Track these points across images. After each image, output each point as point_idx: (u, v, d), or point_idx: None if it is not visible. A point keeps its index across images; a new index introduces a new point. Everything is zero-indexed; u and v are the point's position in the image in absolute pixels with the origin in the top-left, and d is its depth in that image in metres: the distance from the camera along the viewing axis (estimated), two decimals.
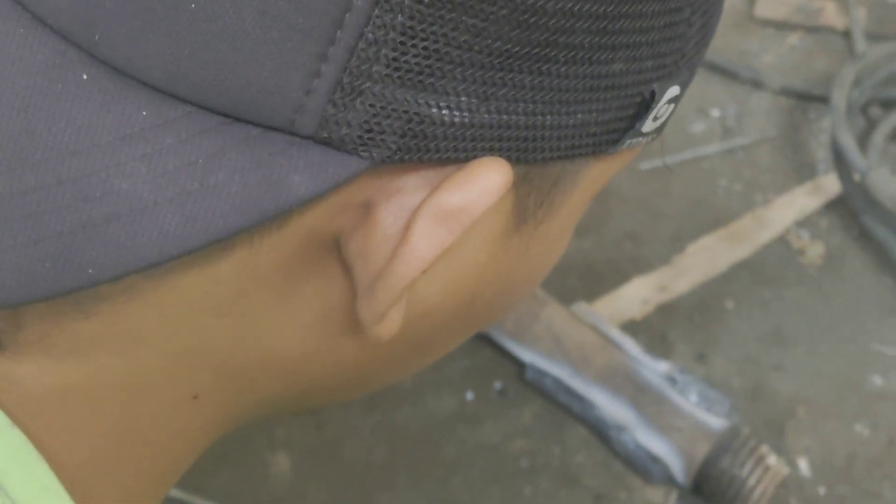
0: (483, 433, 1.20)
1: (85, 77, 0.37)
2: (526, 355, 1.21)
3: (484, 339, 1.24)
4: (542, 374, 1.19)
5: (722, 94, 1.52)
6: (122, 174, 0.37)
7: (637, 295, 1.28)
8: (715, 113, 1.49)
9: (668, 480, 1.14)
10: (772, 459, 1.10)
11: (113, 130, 0.37)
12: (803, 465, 1.16)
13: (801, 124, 1.45)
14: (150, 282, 0.40)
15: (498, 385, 1.23)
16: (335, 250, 0.42)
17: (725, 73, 1.54)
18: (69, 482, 0.42)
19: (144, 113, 0.37)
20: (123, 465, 0.46)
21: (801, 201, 1.35)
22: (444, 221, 0.40)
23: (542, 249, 0.48)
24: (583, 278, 1.31)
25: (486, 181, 0.40)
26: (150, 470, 0.47)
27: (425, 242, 0.40)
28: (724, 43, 1.57)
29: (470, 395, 1.23)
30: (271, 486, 1.19)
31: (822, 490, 1.14)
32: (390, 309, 0.42)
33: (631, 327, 1.25)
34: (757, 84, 1.51)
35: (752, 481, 1.09)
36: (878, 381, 1.21)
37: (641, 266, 1.31)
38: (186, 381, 0.44)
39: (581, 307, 1.22)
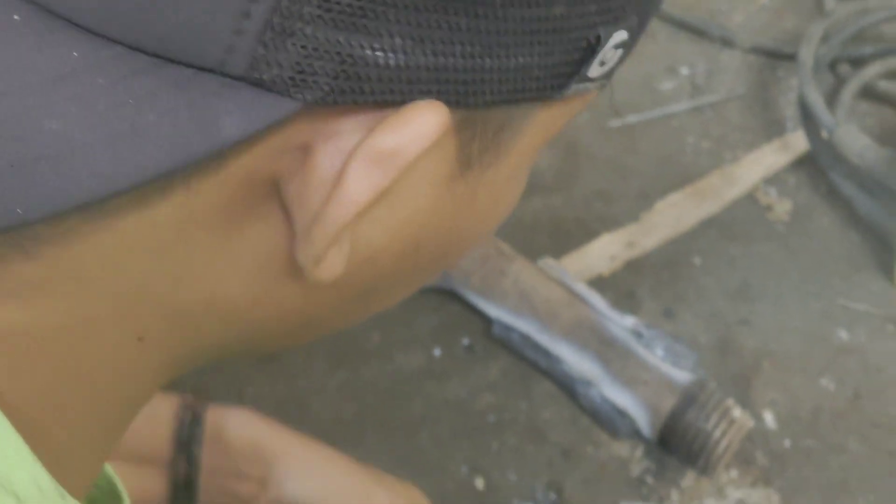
0: (450, 389, 1.20)
1: (16, 18, 0.37)
2: (493, 311, 1.20)
3: (451, 296, 1.24)
4: (508, 329, 1.19)
5: (691, 52, 1.51)
6: (53, 114, 0.36)
7: (605, 251, 1.27)
8: (684, 71, 1.49)
9: (635, 434, 1.14)
10: (737, 412, 1.10)
11: (44, 71, 0.37)
12: (769, 418, 1.16)
13: (769, 82, 1.45)
14: (90, 224, 0.40)
15: (465, 341, 1.23)
16: (276, 194, 0.42)
17: (695, 31, 1.53)
18: (16, 424, 0.42)
19: (76, 54, 0.37)
20: (70, 408, 0.45)
21: (770, 158, 1.35)
22: (379, 164, 0.40)
23: (491, 196, 0.47)
24: (551, 236, 1.30)
25: (420, 124, 0.40)
26: (98, 414, 0.46)
27: (359, 185, 0.40)
28: (695, 1, 1.57)
29: (437, 352, 1.22)
30: None
31: (787, 443, 1.14)
32: (327, 252, 0.42)
33: (599, 283, 1.25)
34: (726, 42, 1.51)
35: (717, 434, 1.09)
36: (843, 335, 1.21)
37: (609, 223, 1.30)
38: (130, 322, 0.44)
39: (548, 263, 1.21)
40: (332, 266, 0.43)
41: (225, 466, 0.84)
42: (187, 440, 0.81)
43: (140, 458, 0.81)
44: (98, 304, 0.42)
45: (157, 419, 0.84)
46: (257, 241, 0.43)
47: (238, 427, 0.89)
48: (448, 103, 0.40)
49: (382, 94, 0.39)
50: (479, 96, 0.41)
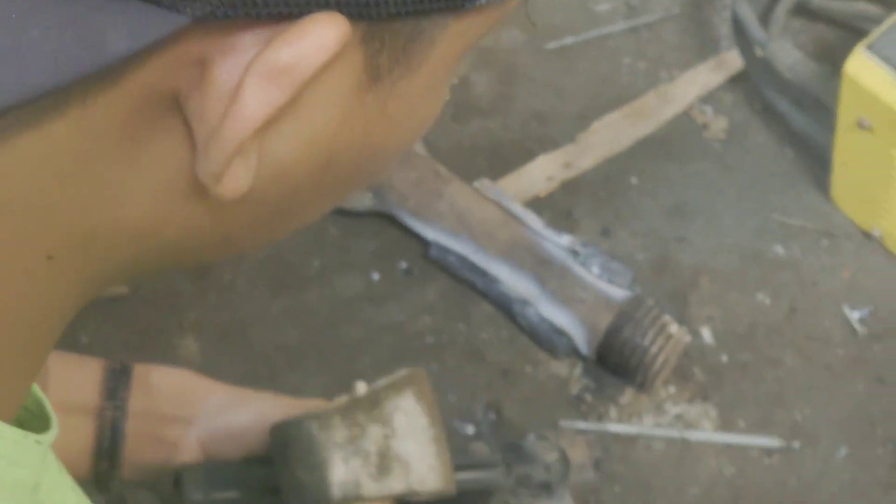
0: (389, 312, 1.19)
1: None
2: (429, 233, 1.19)
3: (389, 220, 1.23)
4: (445, 251, 1.18)
5: None
6: None
7: (542, 172, 1.27)
8: None
9: (573, 353, 1.14)
10: (674, 328, 1.10)
11: None
12: (706, 334, 1.16)
13: (704, 1, 1.43)
14: None
15: (403, 265, 1.22)
16: (178, 110, 0.41)
17: None
18: None
19: None
20: None
21: (705, 77, 1.34)
22: (275, 79, 0.39)
23: (404, 109, 0.46)
24: (489, 158, 1.29)
25: (318, 37, 0.39)
26: (16, 335, 0.45)
27: (255, 101, 0.39)
28: None
29: (376, 276, 1.22)
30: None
31: (724, 358, 1.14)
32: (227, 168, 0.41)
33: (536, 204, 1.24)
34: None
35: (654, 350, 1.09)
36: (779, 250, 1.21)
37: (547, 145, 1.29)
38: (39, 240, 0.43)
39: (485, 184, 1.20)
40: (234, 183, 0.42)
41: (152, 410, 0.84)
42: (114, 387, 0.81)
43: (68, 407, 0.80)
44: (5, 221, 0.41)
45: (86, 369, 0.83)
46: (162, 158, 0.42)
47: (165, 374, 0.88)
48: (349, 15, 0.39)
49: (277, 6, 0.38)
50: (381, 7, 0.40)
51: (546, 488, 0.92)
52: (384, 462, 0.82)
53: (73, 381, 0.82)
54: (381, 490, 0.82)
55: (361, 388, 0.87)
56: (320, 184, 0.46)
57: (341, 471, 0.80)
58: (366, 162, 0.48)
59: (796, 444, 1.08)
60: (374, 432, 0.82)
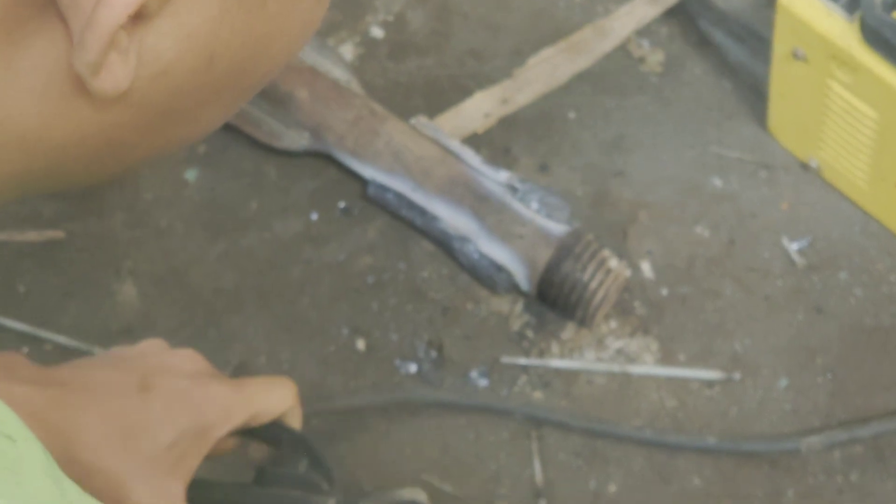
0: (328, 252, 1.16)
1: None
2: (367, 172, 1.16)
3: (327, 160, 1.20)
4: (384, 189, 1.15)
5: None
6: None
7: (479, 109, 1.24)
8: None
9: (513, 289, 1.12)
10: (613, 262, 1.08)
11: None
12: (646, 267, 1.14)
13: None
14: None
15: (342, 204, 1.19)
16: (52, 6, 0.39)
17: None
18: None
19: None
20: None
21: (641, 10, 1.31)
22: None
23: (283, 5, 0.44)
24: (425, 96, 1.26)
25: None
26: None
27: None
28: None
29: (314, 216, 1.19)
30: (120, 315, 1.15)
31: (664, 291, 1.13)
32: (104, 59, 0.39)
33: (473, 141, 1.21)
34: None
35: (593, 284, 1.07)
36: (717, 182, 1.19)
37: (483, 81, 1.27)
38: None
39: (421, 121, 1.17)
40: (112, 77, 0.40)
41: None
42: None
43: None
44: None
45: None
46: (41, 56, 0.41)
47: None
48: None
49: None
50: None
51: None
52: None
53: None
54: None
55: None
56: (205, 85, 0.45)
57: None
58: (250, 62, 0.46)
59: (737, 376, 1.07)
60: None
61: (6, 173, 0.44)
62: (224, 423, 0.74)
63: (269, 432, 0.78)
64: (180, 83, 0.43)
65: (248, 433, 0.78)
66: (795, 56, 1.09)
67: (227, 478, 0.81)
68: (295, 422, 0.80)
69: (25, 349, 1.10)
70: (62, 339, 1.12)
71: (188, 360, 0.77)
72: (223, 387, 0.75)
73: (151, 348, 0.78)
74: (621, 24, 1.29)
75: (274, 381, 0.79)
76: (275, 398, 0.77)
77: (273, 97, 1.19)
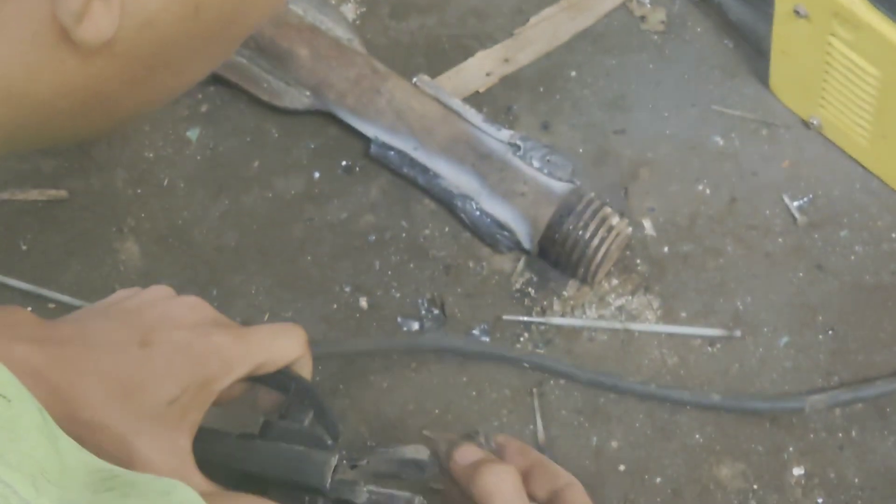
0: (330, 211, 1.16)
1: None
2: (369, 131, 1.15)
3: (329, 119, 1.19)
4: (386, 148, 1.14)
5: None
6: None
7: (480, 68, 1.23)
8: None
9: (515, 247, 1.11)
10: (615, 220, 1.07)
11: None
12: (647, 225, 1.13)
13: None
14: None
15: (344, 163, 1.18)
16: None
17: None
18: None
19: None
20: None
21: None
22: None
23: None
24: (427, 55, 1.25)
25: None
26: None
27: None
28: None
29: (317, 175, 1.18)
30: (122, 273, 1.14)
31: (665, 249, 1.12)
32: (86, 7, 0.39)
33: (475, 100, 1.21)
34: None
35: (595, 242, 1.06)
36: (719, 141, 1.18)
37: (485, 41, 1.26)
38: None
39: (423, 79, 1.16)
40: (96, 25, 0.40)
41: None
42: None
43: None
44: None
45: None
46: (25, 5, 0.40)
47: None
48: None
49: None
50: None
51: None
52: None
53: None
54: None
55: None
56: (191, 35, 0.45)
57: None
58: (236, 12, 0.46)
59: (738, 333, 1.06)
60: None
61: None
62: (226, 375, 0.72)
63: (278, 380, 0.77)
64: (166, 33, 0.43)
65: (257, 380, 0.77)
66: (797, 14, 1.07)
67: (238, 422, 0.80)
68: (305, 370, 0.79)
69: (28, 308, 1.09)
70: (65, 298, 1.12)
71: (191, 309, 0.75)
72: (226, 337, 0.73)
73: (156, 295, 0.77)
74: None
75: (281, 330, 0.78)
76: (280, 348, 0.76)
77: (274, 56, 1.18)
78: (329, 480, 0.72)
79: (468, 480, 0.76)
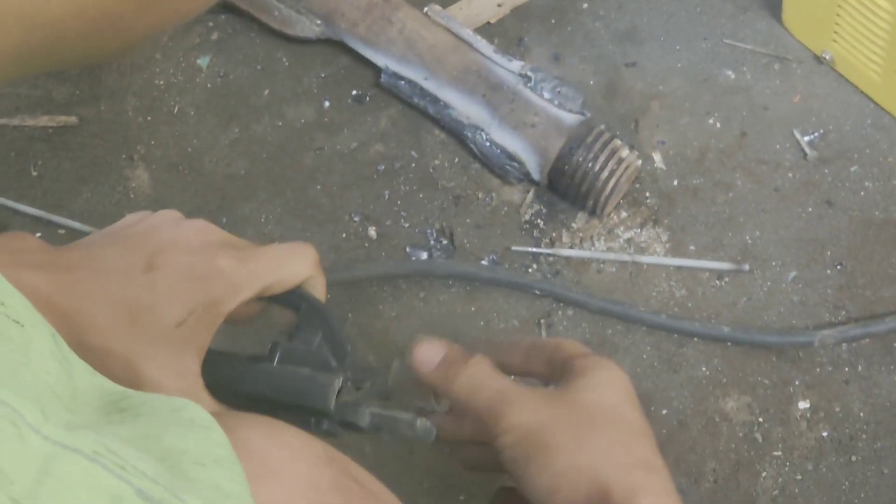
0: (340, 140, 1.14)
1: None
2: (380, 60, 1.14)
3: (340, 48, 1.18)
4: (396, 77, 1.13)
5: None
6: None
7: None
8: None
9: (525, 178, 1.10)
10: (625, 152, 1.06)
11: None
12: (657, 158, 1.12)
13: None
14: None
15: (354, 92, 1.17)
16: None
17: None
18: None
19: None
20: None
21: None
22: None
23: None
24: None
25: None
26: None
27: None
28: None
29: (327, 104, 1.17)
30: (132, 200, 1.13)
31: (675, 182, 1.11)
32: None
33: (486, 31, 1.19)
34: None
35: (605, 174, 1.05)
36: (730, 74, 1.17)
37: None
38: None
39: (435, 9, 1.14)
40: None
41: None
42: None
43: None
44: None
45: None
46: None
47: None
48: None
49: None
50: None
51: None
52: None
53: None
54: None
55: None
56: None
57: None
58: None
59: (746, 267, 1.05)
60: None
61: (5, 48, 0.42)
62: (232, 297, 0.71)
63: (290, 300, 0.76)
64: None
65: (270, 299, 0.76)
66: None
67: (254, 341, 0.79)
68: (318, 290, 0.77)
69: (38, 234, 1.08)
70: (75, 224, 1.11)
71: (198, 231, 0.74)
72: (231, 259, 0.72)
73: (164, 219, 0.75)
74: None
75: (289, 249, 0.76)
76: (289, 268, 0.74)
77: None
78: (333, 403, 0.71)
79: (445, 385, 0.76)
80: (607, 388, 0.76)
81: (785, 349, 1.01)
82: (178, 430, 0.45)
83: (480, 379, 0.75)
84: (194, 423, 0.46)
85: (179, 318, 0.68)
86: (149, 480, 0.38)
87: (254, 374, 0.72)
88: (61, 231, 1.11)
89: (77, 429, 0.38)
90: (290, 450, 0.59)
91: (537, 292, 1.04)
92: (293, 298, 0.75)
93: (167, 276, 0.70)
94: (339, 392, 0.71)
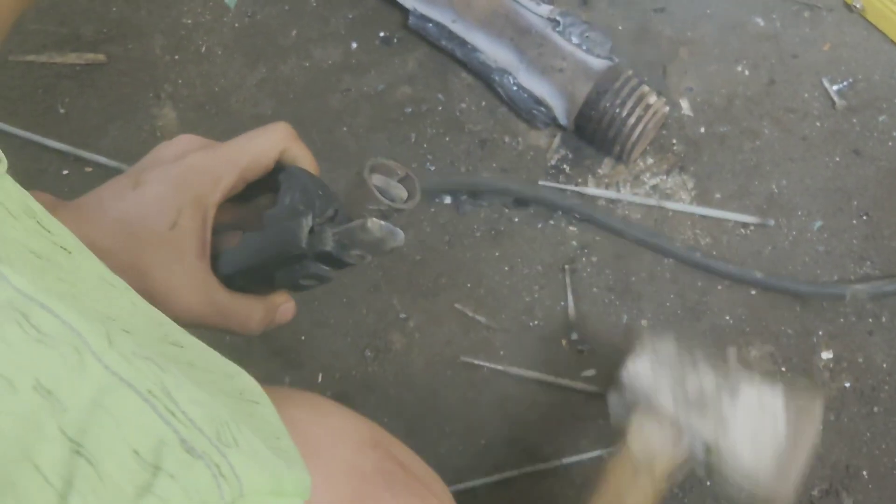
0: (367, 82, 1.13)
1: None
2: (408, 2, 1.12)
3: None
4: (424, 20, 1.11)
5: None
6: None
7: None
8: None
9: (552, 123, 1.08)
10: (652, 98, 1.04)
11: None
12: (685, 105, 1.10)
13: None
14: None
15: (382, 33, 1.15)
16: None
17: None
18: None
19: None
20: None
21: None
22: None
23: None
24: None
25: None
26: None
27: None
28: None
29: (354, 45, 1.15)
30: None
31: (702, 129, 1.09)
32: None
33: None
34: None
35: (632, 120, 1.03)
36: (760, 21, 1.14)
37: None
38: None
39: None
40: None
41: None
42: None
43: None
44: None
45: None
46: None
47: None
48: None
49: None
50: None
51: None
52: (702, 401, 0.71)
53: None
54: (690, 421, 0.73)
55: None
56: None
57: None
58: None
59: (771, 222, 1.03)
60: (706, 379, 0.71)
61: None
62: (214, 188, 0.70)
63: (274, 183, 0.74)
64: None
65: (257, 188, 0.74)
66: None
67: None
68: (304, 162, 0.75)
69: (65, 171, 1.08)
70: (102, 160, 1.09)
71: (178, 144, 0.73)
72: (206, 155, 0.71)
73: (162, 144, 0.75)
74: None
75: (259, 130, 0.75)
76: (258, 145, 0.73)
77: None
78: (304, 241, 0.69)
79: None
80: None
81: (809, 299, 1.00)
82: (230, 400, 0.44)
83: None
84: (244, 395, 0.46)
85: (171, 220, 0.68)
86: (196, 430, 0.37)
87: (245, 248, 0.72)
88: (89, 168, 1.10)
89: (140, 359, 0.37)
90: (335, 431, 0.58)
91: (576, 217, 1.03)
92: (273, 176, 0.74)
93: (152, 187, 0.70)
94: (310, 231, 0.70)
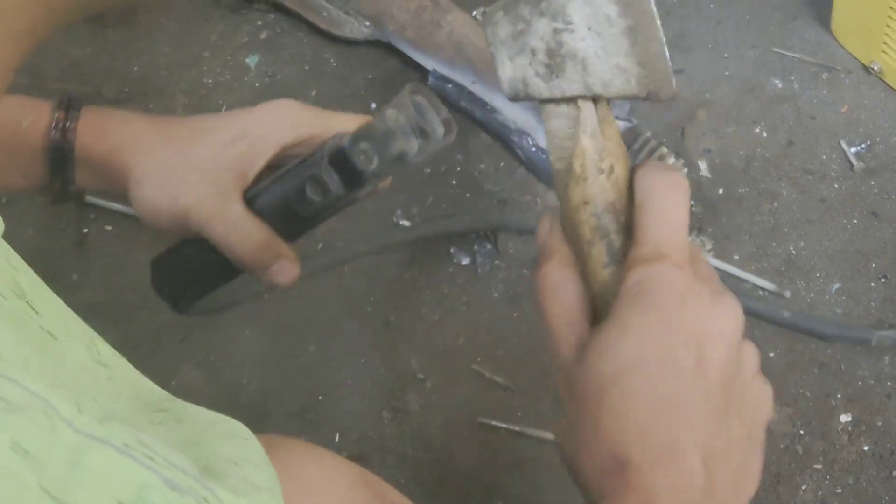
0: None
1: None
2: (428, 63, 1.13)
3: (388, 50, 1.17)
4: (444, 80, 1.12)
5: None
6: None
7: None
8: None
9: None
10: (671, 160, 1.05)
11: None
12: (703, 166, 1.11)
13: None
14: None
15: None
16: None
17: None
18: None
19: None
20: None
21: None
22: None
23: None
24: None
25: None
26: None
27: None
28: None
29: (374, 105, 1.16)
30: None
31: (720, 190, 1.10)
32: None
33: None
34: None
35: None
36: (778, 83, 1.15)
37: None
38: None
39: (483, 13, 1.13)
40: None
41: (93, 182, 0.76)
42: (60, 166, 0.73)
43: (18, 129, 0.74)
44: None
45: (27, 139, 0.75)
46: None
47: (98, 139, 0.76)
48: None
49: None
50: None
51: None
52: (554, 61, 0.65)
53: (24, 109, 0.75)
54: (552, 91, 0.63)
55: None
56: None
57: (507, 68, 0.65)
58: None
59: (787, 294, 1.04)
60: (541, 27, 0.64)
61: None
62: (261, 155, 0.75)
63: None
64: None
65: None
66: None
67: None
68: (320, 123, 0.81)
69: (85, 230, 1.09)
70: (124, 209, 1.11)
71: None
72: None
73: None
74: None
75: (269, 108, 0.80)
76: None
77: None
78: (347, 141, 0.71)
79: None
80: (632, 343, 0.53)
81: (827, 361, 1.00)
82: (217, 439, 0.45)
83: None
84: (232, 434, 0.47)
85: (226, 141, 0.74)
86: (178, 471, 0.38)
87: (277, 189, 0.74)
88: (108, 227, 1.11)
89: (112, 421, 0.38)
90: (328, 471, 0.60)
91: None
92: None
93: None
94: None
